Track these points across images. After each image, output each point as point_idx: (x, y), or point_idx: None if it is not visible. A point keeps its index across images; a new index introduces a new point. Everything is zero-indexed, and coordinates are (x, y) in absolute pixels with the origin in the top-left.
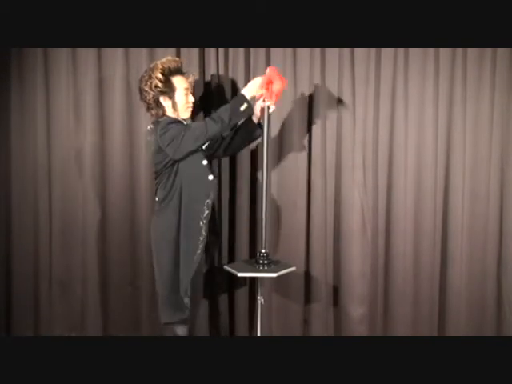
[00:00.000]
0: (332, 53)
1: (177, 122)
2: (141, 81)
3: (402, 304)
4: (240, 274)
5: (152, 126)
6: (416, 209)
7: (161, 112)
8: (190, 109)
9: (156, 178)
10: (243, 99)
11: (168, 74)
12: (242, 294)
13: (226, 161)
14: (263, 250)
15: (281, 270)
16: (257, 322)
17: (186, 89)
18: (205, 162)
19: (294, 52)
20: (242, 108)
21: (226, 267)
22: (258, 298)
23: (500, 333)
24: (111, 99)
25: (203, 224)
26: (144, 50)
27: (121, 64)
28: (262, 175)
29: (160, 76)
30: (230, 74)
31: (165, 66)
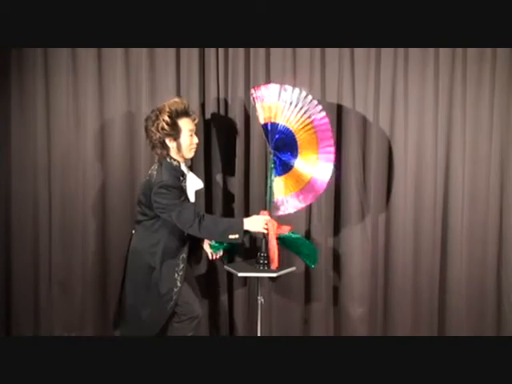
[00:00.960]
0: (332, 53)
1: (176, 187)
2: (147, 121)
3: (402, 304)
4: (240, 274)
5: (156, 166)
6: (416, 208)
7: (165, 152)
8: (194, 149)
9: (139, 206)
10: (238, 230)
11: (175, 116)
12: (241, 294)
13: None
14: (263, 250)
15: (281, 269)
16: (257, 322)
17: (191, 130)
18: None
19: (293, 52)
20: (231, 237)
21: (226, 267)
22: (258, 297)
23: (500, 333)
24: (111, 99)
25: (178, 276)
26: (144, 50)
27: (121, 64)
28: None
29: (167, 119)
30: (230, 74)
31: (172, 108)
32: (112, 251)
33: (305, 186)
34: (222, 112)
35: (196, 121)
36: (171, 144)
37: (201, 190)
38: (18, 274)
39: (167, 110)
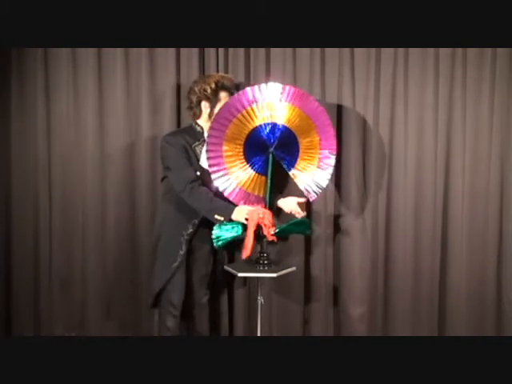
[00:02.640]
0: (332, 53)
1: (174, 145)
2: (194, 81)
3: (402, 304)
4: (240, 274)
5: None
6: (416, 208)
7: (198, 113)
8: None
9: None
10: (226, 214)
11: (220, 87)
12: (241, 294)
13: None
14: (263, 250)
15: (281, 270)
16: (257, 322)
17: None
18: (198, 173)
19: (293, 52)
20: (217, 217)
21: (226, 267)
22: (258, 298)
23: (500, 333)
24: (111, 99)
25: (183, 239)
26: (144, 50)
27: (121, 64)
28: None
29: (213, 85)
30: (230, 74)
31: (221, 79)
32: (112, 251)
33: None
34: None
35: None
36: (206, 109)
37: None
38: (18, 274)
39: (216, 78)
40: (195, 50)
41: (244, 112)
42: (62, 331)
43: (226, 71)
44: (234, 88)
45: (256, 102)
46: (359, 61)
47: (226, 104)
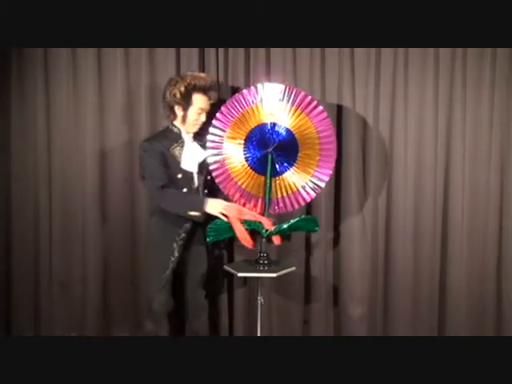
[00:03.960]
0: (332, 53)
1: (148, 151)
2: (167, 83)
3: (402, 304)
4: (240, 274)
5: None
6: (416, 208)
7: (172, 117)
8: (198, 126)
9: None
10: (198, 208)
11: (191, 89)
12: (241, 294)
13: None
14: (263, 250)
15: (281, 270)
16: (257, 322)
17: (202, 109)
18: (184, 190)
19: (293, 52)
20: (192, 213)
21: (226, 267)
22: (258, 298)
23: (500, 333)
24: (111, 99)
25: (177, 245)
26: (144, 50)
27: (121, 64)
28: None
29: (182, 89)
30: (230, 74)
31: (192, 82)
32: (112, 251)
33: (291, 193)
34: None
35: (211, 101)
36: (179, 112)
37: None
38: (18, 274)
39: (187, 81)
40: (195, 50)
41: (254, 106)
42: (62, 331)
43: (226, 71)
44: (210, 87)
45: (267, 99)
46: (359, 61)
47: (240, 93)
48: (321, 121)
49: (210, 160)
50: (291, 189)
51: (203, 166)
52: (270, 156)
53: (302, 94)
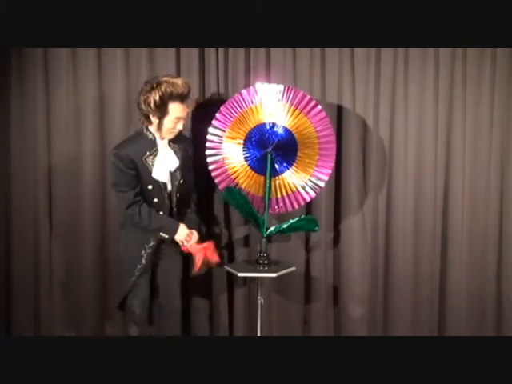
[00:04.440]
0: (332, 53)
1: (122, 159)
2: (141, 89)
3: (402, 304)
4: (240, 274)
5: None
6: (416, 208)
7: (146, 123)
8: (174, 134)
9: None
10: (171, 233)
11: (167, 98)
12: (241, 294)
13: None
14: (263, 250)
15: (281, 270)
16: (257, 322)
17: (178, 118)
18: (156, 200)
19: (293, 52)
20: (162, 234)
21: (226, 267)
22: (258, 298)
23: (500, 333)
24: (111, 99)
25: (145, 253)
26: (144, 50)
27: (121, 64)
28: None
29: (157, 98)
30: (230, 74)
31: (167, 89)
32: (112, 251)
33: (290, 193)
34: None
35: (189, 109)
36: (154, 120)
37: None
38: (18, 274)
39: (161, 89)
40: (195, 50)
41: (253, 106)
42: (62, 331)
43: (226, 71)
44: (188, 95)
45: (266, 100)
46: (359, 61)
47: (239, 93)
48: (319, 120)
49: (209, 160)
50: (291, 189)
51: (176, 171)
52: (269, 156)
53: (301, 93)
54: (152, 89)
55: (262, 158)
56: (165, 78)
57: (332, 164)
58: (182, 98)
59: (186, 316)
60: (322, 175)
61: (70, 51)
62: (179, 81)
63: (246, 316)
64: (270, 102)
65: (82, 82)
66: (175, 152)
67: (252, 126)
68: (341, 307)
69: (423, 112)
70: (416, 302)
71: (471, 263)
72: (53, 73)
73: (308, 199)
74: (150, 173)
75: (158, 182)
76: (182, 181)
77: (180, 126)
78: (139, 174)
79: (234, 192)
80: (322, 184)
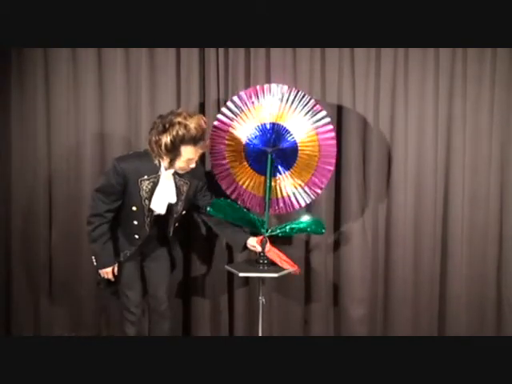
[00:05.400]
0: (332, 53)
1: (115, 173)
2: (153, 126)
3: (402, 304)
4: (241, 274)
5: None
6: (416, 208)
7: (157, 154)
8: (186, 171)
9: None
10: (99, 265)
11: (179, 142)
12: (242, 293)
13: None
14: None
15: (281, 270)
16: (257, 322)
17: (190, 159)
18: (135, 223)
19: (294, 52)
20: (93, 258)
21: (226, 267)
22: (260, 297)
23: (500, 333)
24: (111, 99)
25: (122, 255)
26: (144, 50)
27: (121, 64)
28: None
29: (168, 142)
30: (230, 74)
31: (179, 133)
32: None
33: (285, 197)
34: None
35: (202, 150)
36: (166, 157)
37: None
38: (18, 275)
39: (173, 133)
40: (195, 50)
41: (252, 107)
42: (62, 331)
43: (226, 71)
44: (201, 137)
45: (291, 106)
46: (359, 61)
47: (264, 86)
48: (328, 146)
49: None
50: (286, 192)
51: (178, 204)
52: (269, 156)
53: (322, 112)
54: (164, 131)
55: (261, 157)
56: (178, 119)
57: (324, 185)
58: (194, 141)
59: (186, 316)
60: (312, 193)
61: (70, 51)
62: (193, 123)
63: (246, 316)
64: (292, 112)
65: (82, 82)
66: (177, 186)
67: (261, 122)
68: (341, 307)
69: (423, 111)
70: (416, 301)
71: (471, 262)
72: (53, 73)
73: (298, 207)
74: (140, 197)
75: (143, 206)
76: (184, 212)
77: (193, 165)
78: (127, 192)
79: (218, 203)
80: (310, 199)
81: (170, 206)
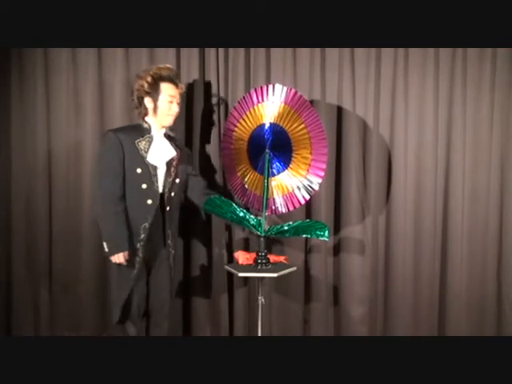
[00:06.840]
0: (332, 53)
1: (111, 141)
2: (134, 80)
3: (402, 304)
4: (241, 274)
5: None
6: (416, 208)
7: (143, 112)
8: (172, 117)
9: None
10: (112, 250)
11: (158, 78)
12: (241, 293)
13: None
14: (263, 250)
15: (281, 269)
16: (257, 322)
17: (172, 96)
18: (144, 186)
19: (293, 52)
20: (104, 244)
21: (226, 267)
22: (259, 297)
23: (500, 333)
24: (111, 99)
25: (140, 246)
26: (144, 50)
27: (121, 64)
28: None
29: (149, 79)
30: (230, 74)
31: (157, 71)
32: None
33: (286, 194)
34: (222, 112)
35: (181, 90)
36: (149, 105)
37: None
38: (18, 274)
39: (152, 71)
40: (195, 50)
41: (251, 110)
42: (62, 331)
43: (226, 71)
44: (176, 77)
45: (262, 101)
46: (359, 61)
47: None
48: (311, 119)
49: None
50: (287, 190)
51: (172, 166)
52: (267, 156)
53: (293, 91)
54: (142, 75)
55: (261, 157)
56: (152, 67)
57: (324, 165)
58: (171, 79)
59: (186, 316)
60: (316, 177)
61: (70, 51)
62: (168, 65)
63: (246, 316)
64: (268, 103)
65: (82, 82)
66: (172, 144)
67: (256, 126)
68: (341, 307)
69: (423, 112)
70: (416, 301)
71: (471, 263)
72: (53, 73)
73: (303, 202)
74: (142, 157)
75: (147, 166)
76: (177, 180)
77: (175, 108)
78: (128, 158)
79: (213, 201)
80: (316, 187)
81: (167, 165)
